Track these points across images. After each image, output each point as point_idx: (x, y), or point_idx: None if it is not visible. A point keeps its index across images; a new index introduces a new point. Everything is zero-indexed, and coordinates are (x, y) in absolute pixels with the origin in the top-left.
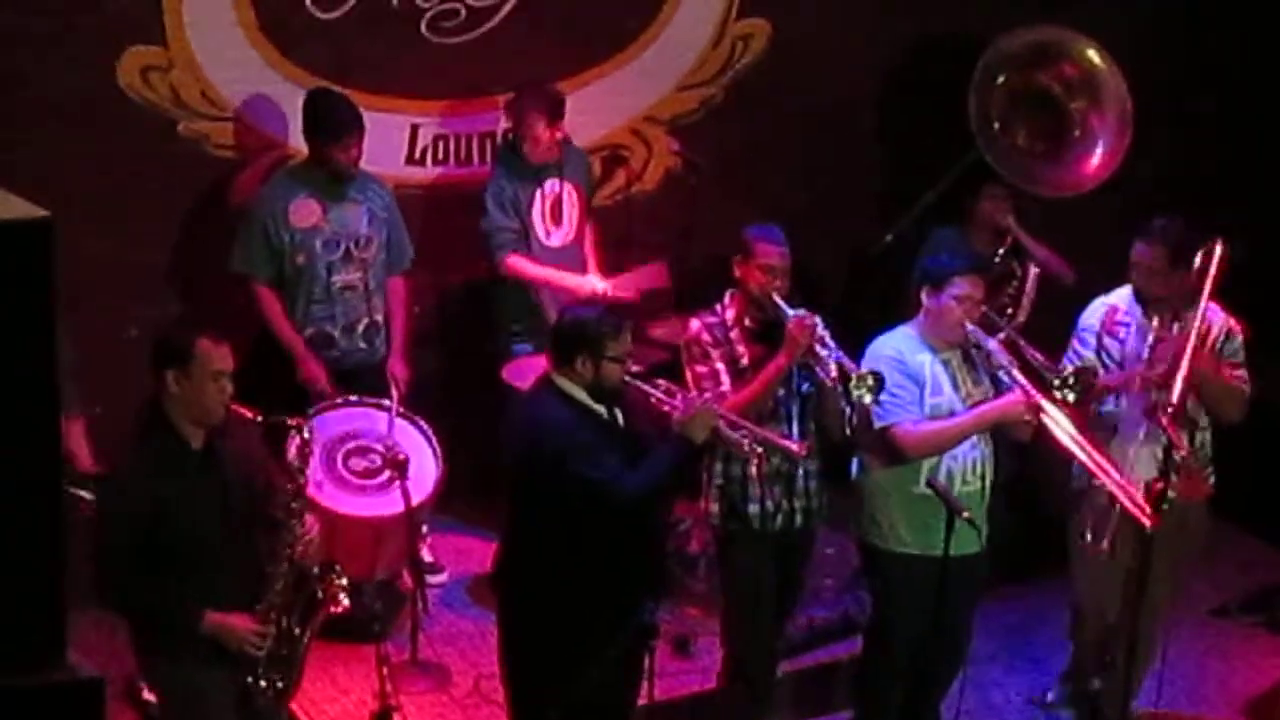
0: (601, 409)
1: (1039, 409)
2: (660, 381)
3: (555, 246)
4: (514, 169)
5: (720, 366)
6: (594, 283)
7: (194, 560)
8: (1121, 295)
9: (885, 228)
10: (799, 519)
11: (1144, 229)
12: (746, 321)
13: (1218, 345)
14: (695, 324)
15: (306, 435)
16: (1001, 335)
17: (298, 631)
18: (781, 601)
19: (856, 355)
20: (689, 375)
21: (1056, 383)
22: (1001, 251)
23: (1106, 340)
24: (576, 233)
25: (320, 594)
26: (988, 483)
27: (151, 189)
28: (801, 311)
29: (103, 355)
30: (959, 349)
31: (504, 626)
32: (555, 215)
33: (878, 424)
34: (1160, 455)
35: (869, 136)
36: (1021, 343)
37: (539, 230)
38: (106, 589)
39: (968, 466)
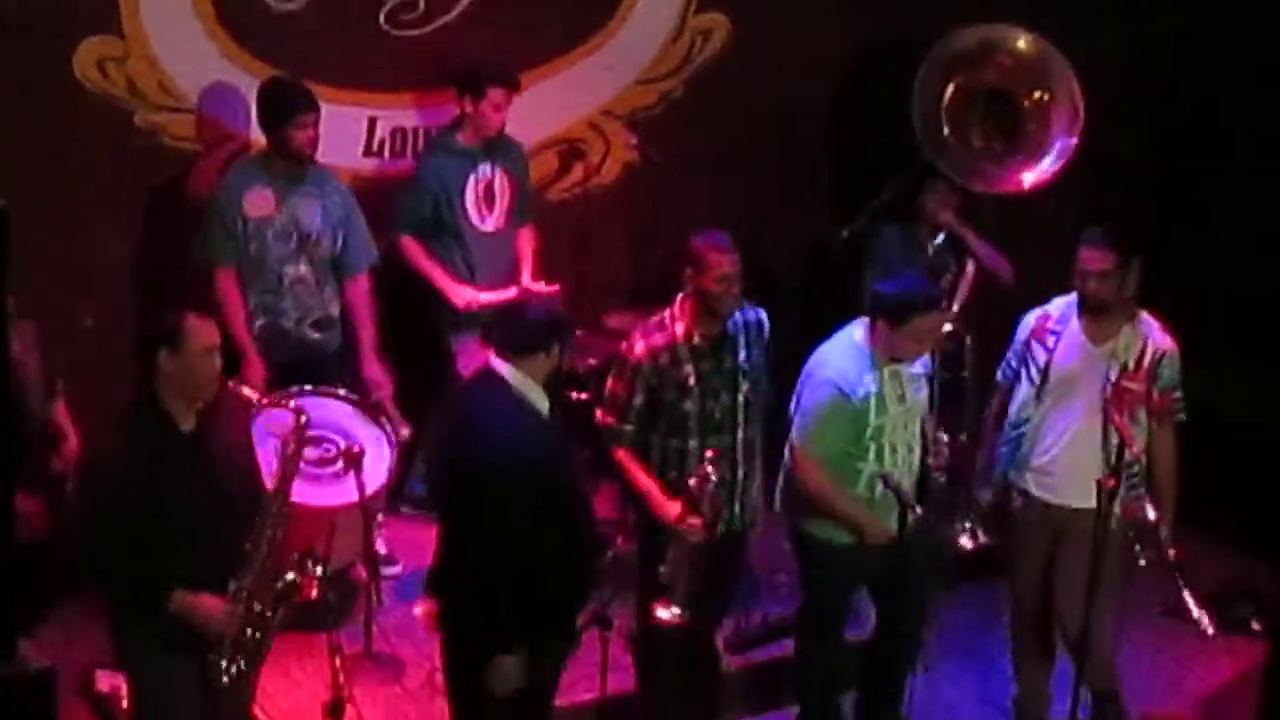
0: (545, 406)
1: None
2: None
3: (488, 231)
4: (449, 153)
5: (638, 400)
6: (466, 294)
7: (173, 541)
8: (1058, 304)
9: (842, 222)
10: (737, 522)
11: (1088, 235)
12: (696, 339)
13: (1157, 370)
14: (640, 347)
15: (304, 420)
16: None
17: (269, 614)
18: (719, 596)
19: (807, 352)
20: (607, 385)
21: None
22: (937, 243)
23: (1034, 345)
24: (507, 220)
25: (295, 580)
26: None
27: (108, 180)
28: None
29: (57, 345)
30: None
31: (451, 634)
32: (488, 201)
33: (794, 437)
34: (1113, 455)
35: (828, 131)
36: None
37: (472, 215)
38: (85, 565)
39: (901, 473)
